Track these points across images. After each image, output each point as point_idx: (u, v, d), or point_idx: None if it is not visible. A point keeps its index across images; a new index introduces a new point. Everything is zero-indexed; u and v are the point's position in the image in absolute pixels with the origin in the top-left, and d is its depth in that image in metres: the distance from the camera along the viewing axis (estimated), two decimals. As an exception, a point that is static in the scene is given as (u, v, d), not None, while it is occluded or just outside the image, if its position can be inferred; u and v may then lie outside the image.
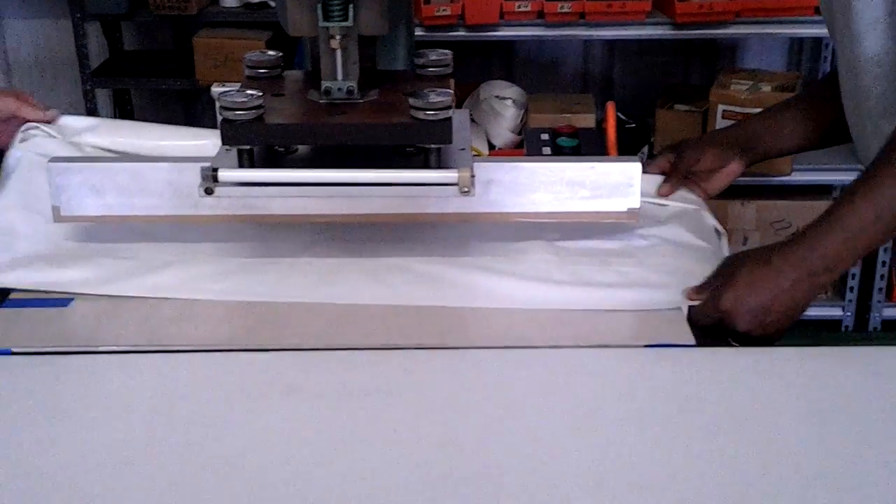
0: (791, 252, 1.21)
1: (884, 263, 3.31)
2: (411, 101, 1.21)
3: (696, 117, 3.15)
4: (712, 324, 1.24)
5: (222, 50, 3.16)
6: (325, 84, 1.27)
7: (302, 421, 1.05)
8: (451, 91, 1.24)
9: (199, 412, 1.08)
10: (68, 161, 1.37)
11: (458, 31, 3.02)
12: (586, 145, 1.65)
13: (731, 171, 1.52)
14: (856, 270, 3.33)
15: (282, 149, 1.30)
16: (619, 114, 2.67)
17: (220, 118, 1.22)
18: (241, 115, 1.20)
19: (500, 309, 1.28)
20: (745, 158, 1.52)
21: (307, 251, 1.39)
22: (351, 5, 1.21)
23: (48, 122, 1.52)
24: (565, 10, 2.97)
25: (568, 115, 3.04)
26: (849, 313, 3.40)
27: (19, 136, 1.50)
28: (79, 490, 0.95)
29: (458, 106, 3.05)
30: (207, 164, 1.23)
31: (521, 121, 3.19)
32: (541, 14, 2.99)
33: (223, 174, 1.23)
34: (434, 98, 1.21)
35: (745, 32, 3.12)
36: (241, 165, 1.24)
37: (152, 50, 3.62)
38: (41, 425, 1.05)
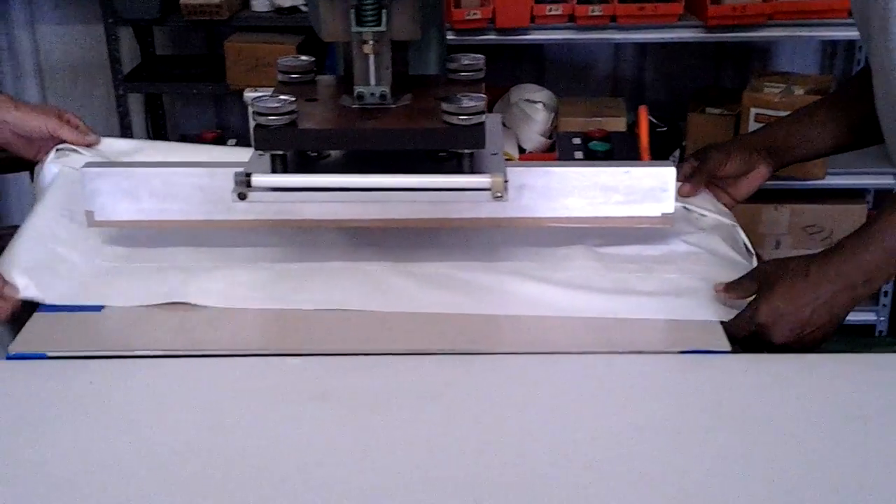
0: (829, 264, 1.20)
1: (919, 268, 3.27)
2: (444, 105, 1.21)
3: (729, 121, 3.12)
4: (748, 335, 1.22)
5: (253, 54, 3.18)
6: (357, 89, 1.27)
7: (335, 426, 1.05)
8: (484, 96, 1.23)
9: (232, 417, 1.08)
10: (101, 166, 1.39)
11: (488, 34, 3.01)
12: (618, 149, 1.64)
13: (758, 175, 1.50)
14: (890, 275, 3.30)
15: (314, 154, 1.30)
16: (650, 117, 2.66)
17: (252, 123, 1.22)
18: (274, 120, 1.20)
19: (535, 316, 1.27)
20: (771, 162, 1.50)
21: (341, 256, 1.39)
22: (384, 10, 1.21)
23: (87, 146, 1.50)
24: (596, 13, 2.95)
25: (598, 118, 3.02)
26: (883, 318, 3.36)
27: (52, 153, 1.48)
28: (114, 493, 0.95)
29: (489, 109, 3.04)
30: (241, 170, 1.23)
31: (552, 124, 3.18)
32: (571, 17, 2.98)
33: (256, 179, 1.23)
34: (467, 103, 1.20)
35: (778, 35, 3.09)
36: (273, 171, 1.24)
37: (184, 55, 3.64)
38: (76, 429, 1.05)
